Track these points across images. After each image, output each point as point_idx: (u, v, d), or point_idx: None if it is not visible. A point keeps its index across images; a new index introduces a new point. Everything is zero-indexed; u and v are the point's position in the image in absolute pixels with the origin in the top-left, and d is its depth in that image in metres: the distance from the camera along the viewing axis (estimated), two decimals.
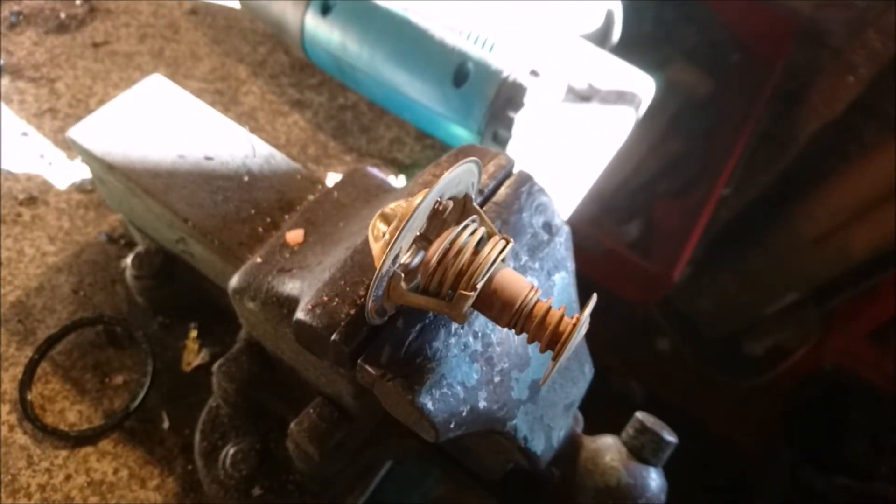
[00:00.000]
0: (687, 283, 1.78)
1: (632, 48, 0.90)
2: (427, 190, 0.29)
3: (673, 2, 1.53)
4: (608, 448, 0.45)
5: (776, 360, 1.80)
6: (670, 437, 0.45)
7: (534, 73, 0.61)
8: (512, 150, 0.65)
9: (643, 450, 0.45)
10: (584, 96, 0.78)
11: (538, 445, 0.41)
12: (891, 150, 1.43)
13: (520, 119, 0.61)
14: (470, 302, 0.31)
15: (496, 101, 0.60)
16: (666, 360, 1.85)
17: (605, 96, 0.79)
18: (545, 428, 0.41)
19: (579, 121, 0.77)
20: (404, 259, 0.35)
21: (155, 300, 0.60)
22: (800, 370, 1.78)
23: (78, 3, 0.81)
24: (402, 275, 0.31)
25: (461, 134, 0.65)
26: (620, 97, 0.79)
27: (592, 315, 0.30)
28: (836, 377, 1.73)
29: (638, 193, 1.48)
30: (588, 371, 0.46)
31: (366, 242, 0.39)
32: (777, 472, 1.72)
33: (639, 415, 0.46)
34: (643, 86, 0.81)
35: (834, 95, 1.57)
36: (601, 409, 0.49)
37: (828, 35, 1.59)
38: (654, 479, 0.44)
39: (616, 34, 0.86)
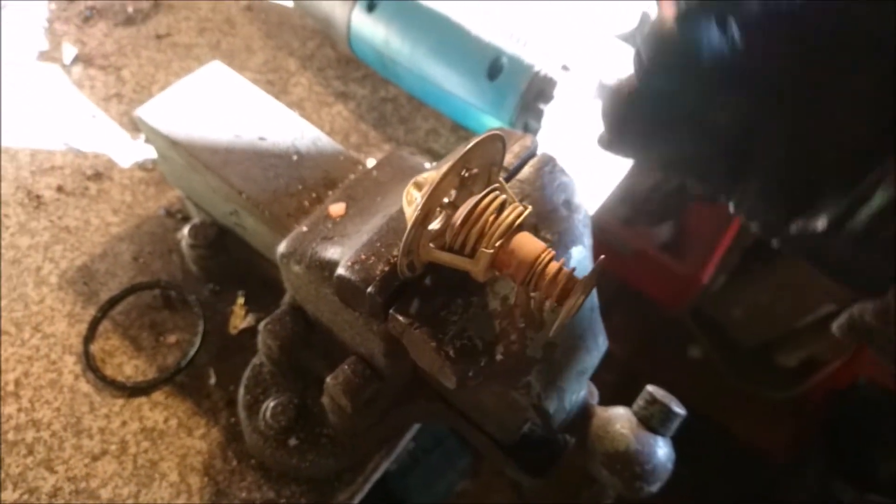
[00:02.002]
0: (720, 292, 1.77)
1: None
2: (454, 157, 0.33)
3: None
4: (619, 417, 0.48)
5: (809, 373, 1.77)
6: (678, 409, 0.47)
7: (564, 67, 0.64)
8: (542, 141, 0.69)
9: (652, 419, 0.47)
10: None
11: (551, 405, 0.44)
12: None
13: (550, 111, 0.65)
14: (489, 259, 0.34)
15: (527, 94, 0.64)
16: (697, 369, 1.84)
17: None
18: (558, 389, 0.45)
19: None
20: (435, 224, 0.39)
21: (207, 269, 0.65)
22: (833, 383, 1.75)
23: None
24: (431, 233, 0.35)
25: (494, 125, 0.69)
26: None
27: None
28: (871, 392, 1.70)
29: (671, 196, 1.49)
30: (602, 342, 0.49)
31: (401, 211, 0.43)
32: (808, 485, 1.69)
33: (649, 387, 0.48)
34: None
35: None
36: None
37: None
38: (662, 448, 0.47)
39: None
